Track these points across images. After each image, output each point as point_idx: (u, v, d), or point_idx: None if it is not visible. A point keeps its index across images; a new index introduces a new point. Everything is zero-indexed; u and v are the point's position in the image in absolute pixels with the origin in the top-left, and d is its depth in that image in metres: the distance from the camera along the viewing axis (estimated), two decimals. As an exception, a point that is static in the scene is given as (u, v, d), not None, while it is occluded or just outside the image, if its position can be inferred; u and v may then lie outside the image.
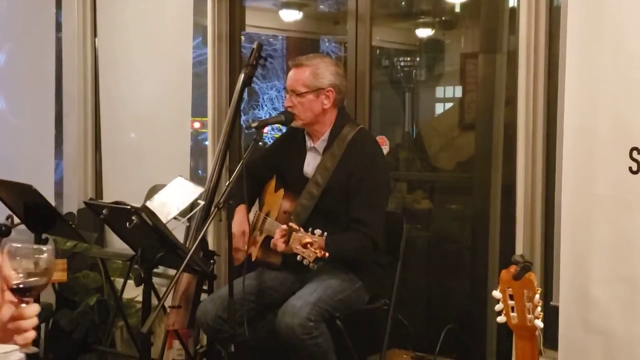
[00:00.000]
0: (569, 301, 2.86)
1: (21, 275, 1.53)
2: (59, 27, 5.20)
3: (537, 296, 2.00)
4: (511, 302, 2.03)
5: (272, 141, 3.99)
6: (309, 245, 2.68)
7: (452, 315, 3.62)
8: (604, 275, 2.75)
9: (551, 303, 3.11)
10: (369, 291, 3.21)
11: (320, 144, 3.24)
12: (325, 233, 2.76)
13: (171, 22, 4.61)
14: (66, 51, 5.13)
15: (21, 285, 1.53)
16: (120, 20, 4.91)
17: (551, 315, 3.07)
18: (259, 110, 7.80)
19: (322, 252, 2.69)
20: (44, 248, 1.56)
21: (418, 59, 4.63)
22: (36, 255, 1.54)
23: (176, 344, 3.81)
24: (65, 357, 4.43)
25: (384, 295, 3.28)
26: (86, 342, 4.38)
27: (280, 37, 6.60)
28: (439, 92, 4.51)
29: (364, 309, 3.22)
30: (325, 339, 2.97)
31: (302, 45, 5.98)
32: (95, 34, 5.05)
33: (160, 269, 3.99)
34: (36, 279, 1.54)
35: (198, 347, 3.59)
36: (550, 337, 3.07)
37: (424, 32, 4.60)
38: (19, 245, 1.55)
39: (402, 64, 4.76)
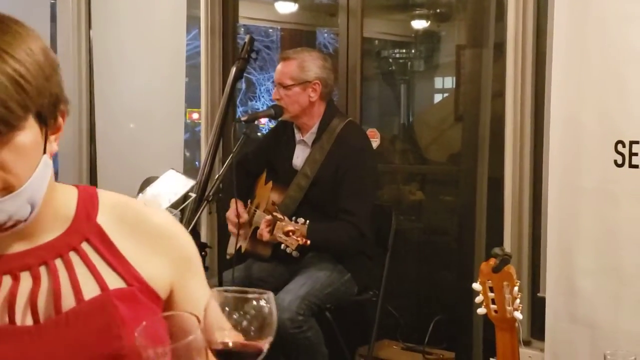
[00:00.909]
0: (555, 293, 2.88)
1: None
2: (53, 19, 5.20)
3: (516, 288, 2.02)
4: (491, 295, 2.06)
5: (267, 132, 4.01)
6: (290, 234, 2.72)
7: (441, 306, 3.65)
8: (590, 267, 2.78)
9: (538, 294, 3.14)
10: (358, 283, 3.23)
11: (309, 137, 3.26)
12: (308, 221, 2.78)
13: (165, 14, 4.62)
14: (61, 43, 5.14)
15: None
16: (114, 12, 4.92)
17: (538, 306, 3.11)
18: (256, 101, 7.82)
19: (304, 240, 2.72)
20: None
21: (413, 51, 4.64)
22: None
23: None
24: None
25: (373, 287, 3.30)
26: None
27: (279, 29, 6.61)
28: (434, 83, 4.52)
29: (353, 300, 3.24)
30: (314, 333, 3.00)
31: (297, 37, 5.99)
32: (89, 26, 5.06)
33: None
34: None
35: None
36: (537, 328, 3.11)
37: (419, 24, 4.61)
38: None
39: (397, 55, 4.77)
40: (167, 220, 1.34)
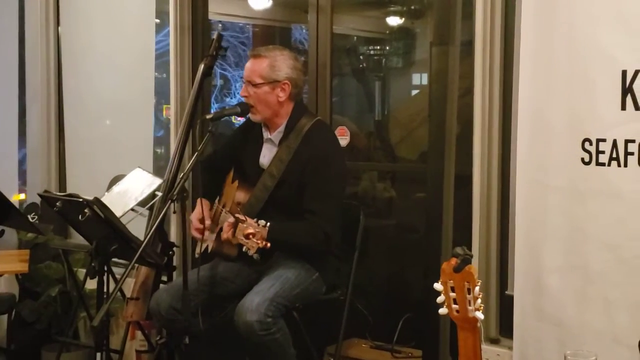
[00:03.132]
0: (523, 290, 2.88)
1: None
2: (21, 16, 5.14)
3: (477, 288, 2.01)
4: (453, 294, 2.05)
5: (236, 128, 3.98)
6: (251, 236, 2.69)
7: (410, 304, 3.64)
8: (557, 265, 2.78)
9: (506, 292, 3.15)
10: (326, 282, 3.21)
11: (276, 136, 3.23)
12: (269, 223, 2.75)
13: (134, 11, 4.59)
14: (29, 40, 5.09)
15: None
16: (83, 8, 4.88)
17: (506, 304, 3.11)
18: (231, 98, 7.77)
19: (264, 243, 2.69)
20: None
21: (387, 48, 4.62)
22: None
23: (139, 334, 3.81)
24: (28, 347, 4.41)
25: (342, 286, 3.29)
26: (49, 333, 4.37)
27: (252, 25, 6.57)
28: (408, 80, 4.50)
29: (321, 299, 3.22)
30: (283, 334, 2.97)
31: (271, 34, 5.95)
32: (58, 23, 5.01)
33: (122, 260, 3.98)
34: None
35: (158, 338, 3.58)
36: (506, 325, 3.11)
37: (393, 21, 4.59)
38: None
39: (371, 52, 4.75)
40: None
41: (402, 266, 3.91)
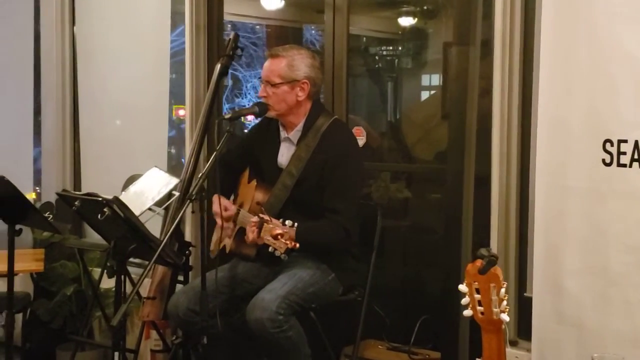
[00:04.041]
0: (542, 293, 2.86)
1: None
2: (37, 15, 5.16)
3: (503, 290, 2.00)
4: (477, 296, 2.03)
5: (251, 128, 3.97)
6: (279, 237, 2.68)
7: (427, 306, 3.62)
8: (577, 267, 2.76)
9: (525, 294, 3.13)
10: (342, 283, 3.20)
11: (295, 135, 3.22)
12: (296, 224, 2.75)
13: (149, 11, 4.59)
14: (44, 39, 5.10)
15: None
16: (98, 8, 4.88)
17: (525, 306, 3.09)
18: (242, 98, 7.78)
19: (293, 243, 2.69)
20: None
21: (400, 48, 4.61)
22: None
23: (154, 334, 3.81)
24: (43, 347, 4.41)
25: (359, 287, 3.28)
26: (64, 332, 4.36)
27: (264, 25, 6.57)
28: (421, 81, 4.49)
29: (338, 300, 3.21)
30: (296, 332, 2.97)
31: (284, 34, 5.94)
32: (73, 22, 5.02)
33: (139, 259, 3.98)
34: None
35: (174, 338, 3.58)
36: (524, 328, 3.09)
37: (406, 21, 4.58)
38: None
39: (384, 53, 4.74)
40: None
41: (418, 267, 3.90)
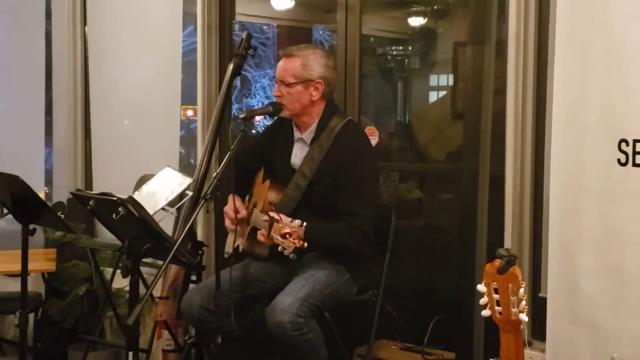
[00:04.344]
0: (557, 293, 2.85)
1: None
2: (48, 15, 5.17)
3: (522, 290, 1.99)
4: (496, 296, 2.03)
5: (265, 128, 3.97)
6: (287, 236, 2.68)
7: (441, 306, 3.61)
8: (592, 267, 2.74)
9: (539, 295, 3.12)
10: (357, 283, 3.20)
11: (308, 135, 3.22)
12: (305, 223, 2.74)
13: (161, 11, 4.60)
14: (56, 39, 5.11)
15: None
16: (110, 8, 4.89)
17: (539, 306, 3.08)
18: (251, 98, 7.77)
19: (301, 242, 2.68)
20: None
21: (410, 48, 4.60)
22: None
23: (165, 334, 3.81)
24: (55, 346, 4.42)
25: (372, 287, 3.27)
26: (75, 332, 4.37)
27: (273, 26, 6.57)
28: (432, 81, 4.49)
29: (352, 300, 3.21)
30: (315, 334, 2.96)
31: (293, 34, 5.94)
32: (85, 22, 5.04)
33: (150, 259, 3.98)
34: None
35: (186, 337, 3.58)
36: (539, 328, 3.08)
37: (416, 21, 4.58)
38: None
39: (394, 52, 4.73)
40: None
41: (431, 267, 3.89)
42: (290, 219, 2.77)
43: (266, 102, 7.16)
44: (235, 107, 7.07)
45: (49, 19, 5.16)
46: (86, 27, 5.03)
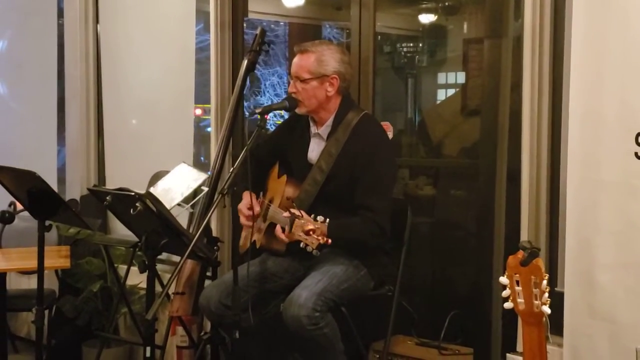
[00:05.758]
0: (574, 287, 2.85)
1: None
2: (60, 13, 5.18)
3: (545, 282, 1.99)
4: (518, 288, 2.03)
5: (275, 127, 3.98)
6: (311, 232, 2.67)
7: (457, 301, 3.61)
8: (610, 261, 2.74)
9: (556, 289, 3.11)
10: (374, 278, 3.20)
11: (324, 130, 3.22)
12: (328, 219, 2.74)
13: (173, 8, 4.60)
14: (68, 37, 5.12)
15: None
16: (122, 6, 4.90)
17: (556, 301, 3.05)
18: (261, 96, 7.78)
19: (325, 239, 2.68)
20: None
21: (421, 45, 4.60)
22: None
23: (180, 330, 3.82)
24: (69, 343, 4.44)
25: (389, 282, 3.27)
26: (89, 329, 4.38)
27: (283, 23, 6.57)
28: (442, 78, 4.48)
29: (369, 295, 3.21)
30: (332, 329, 2.96)
31: (304, 31, 5.95)
32: (97, 20, 5.04)
33: (164, 256, 3.99)
34: None
35: (202, 333, 3.59)
36: (556, 323, 3.06)
37: (426, 18, 4.57)
38: None
39: (405, 49, 4.73)
40: None
41: (447, 263, 3.89)
42: (312, 216, 2.76)
43: (276, 99, 7.19)
44: (245, 104, 7.08)
45: (61, 17, 5.17)
46: (98, 25, 5.03)
